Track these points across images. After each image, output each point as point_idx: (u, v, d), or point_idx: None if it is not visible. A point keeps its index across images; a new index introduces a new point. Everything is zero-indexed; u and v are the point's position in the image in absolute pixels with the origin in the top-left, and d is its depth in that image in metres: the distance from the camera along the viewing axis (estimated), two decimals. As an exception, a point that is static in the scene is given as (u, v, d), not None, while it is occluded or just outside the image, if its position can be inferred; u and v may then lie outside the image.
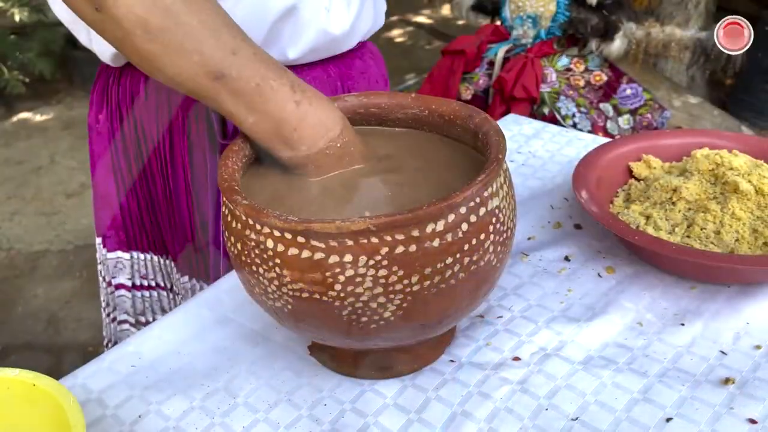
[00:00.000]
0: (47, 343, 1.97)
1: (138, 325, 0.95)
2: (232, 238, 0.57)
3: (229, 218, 0.57)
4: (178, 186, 0.86)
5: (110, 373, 0.67)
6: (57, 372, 0.61)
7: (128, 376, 0.66)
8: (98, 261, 0.97)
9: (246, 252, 0.56)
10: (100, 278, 0.96)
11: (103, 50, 0.83)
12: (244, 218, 0.55)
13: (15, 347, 1.96)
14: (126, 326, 0.95)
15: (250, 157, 0.63)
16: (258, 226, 0.54)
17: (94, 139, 0.90)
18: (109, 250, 0.94)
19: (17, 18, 3.12)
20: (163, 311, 0.94)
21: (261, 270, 0.55)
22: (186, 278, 0.91)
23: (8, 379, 0.58)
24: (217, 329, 0.72)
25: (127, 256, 0.93)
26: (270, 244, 0.53)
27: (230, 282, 0.77)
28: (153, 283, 0.93)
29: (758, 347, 0.65)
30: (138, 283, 0.94)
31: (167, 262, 0.91)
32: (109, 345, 0.98)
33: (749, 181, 0.77)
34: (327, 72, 0.86)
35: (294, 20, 0.78)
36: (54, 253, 2.34)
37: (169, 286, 0.93)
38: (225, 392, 0.64)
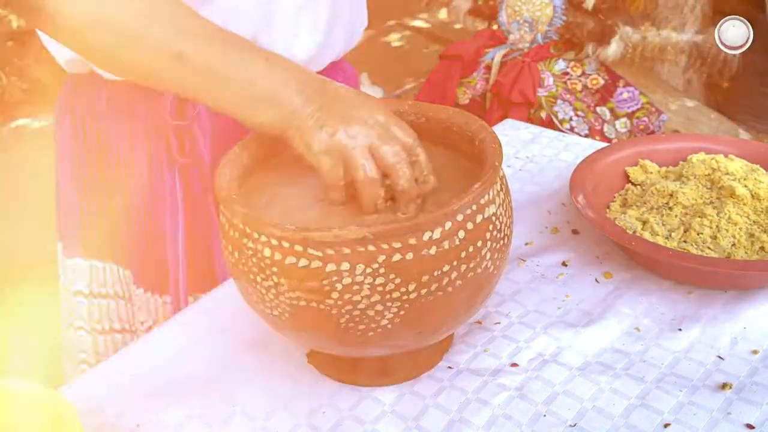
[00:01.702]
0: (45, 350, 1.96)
1: (93, 332, 0.92)
2: (230, 247, 0.57)
3: (226, 227, 0.58)
4: (136, 200, 0.86)
5: (109, 381, 0.67)
6: (54, 380, 0.61)
7: (127, 384, 0.66)
8: (59, 265, 0.95)
9: (243, 260, 0.56)
10: (60, 282, 0.95)
11: (58, 51, 0.83)
12: (241, 227, 0.55)
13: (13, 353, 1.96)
14: (82, 333, 0.93)
15: (247, 167, 0.63)
16: (255, 235, 0.54)
17: (58, 143, 0.91)
18: (67, 257, 0.93)
19: (15, 24, 3.12)
20: (120, 320, 0.92)
21: (258, 278, 0.55)
22: (141, 290, 0.89)
23: (6, 388, 0.58)
24: (215, 337, 0.71)
25: (85, 264, 0.91)
26: (267, 252, 0.53)
27: (228, 290, 0.77)
28: (111, 292, 0.91)
29: (755, 352, 0.65)
30: (96, 291, 0.92)
31: (125, 272, 0.90)
32: (65, 350, 0.96)
33: (745, 186, 0.77)
34: None
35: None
36: (51, 260, 2.34)
37: (127, 296, 0.91)
38: (223, 400, 0.64)
